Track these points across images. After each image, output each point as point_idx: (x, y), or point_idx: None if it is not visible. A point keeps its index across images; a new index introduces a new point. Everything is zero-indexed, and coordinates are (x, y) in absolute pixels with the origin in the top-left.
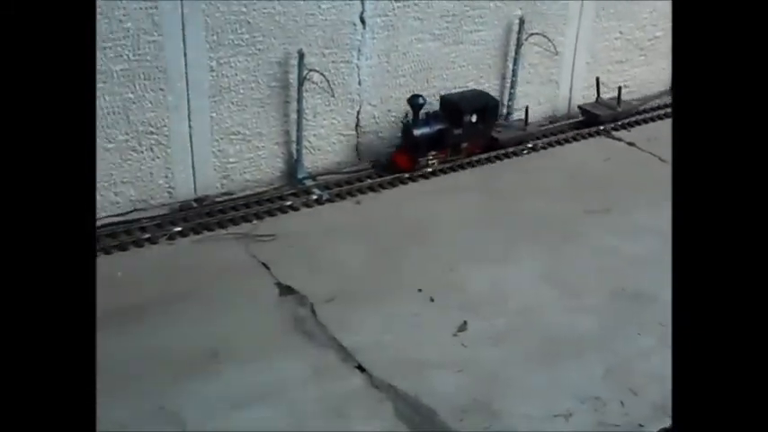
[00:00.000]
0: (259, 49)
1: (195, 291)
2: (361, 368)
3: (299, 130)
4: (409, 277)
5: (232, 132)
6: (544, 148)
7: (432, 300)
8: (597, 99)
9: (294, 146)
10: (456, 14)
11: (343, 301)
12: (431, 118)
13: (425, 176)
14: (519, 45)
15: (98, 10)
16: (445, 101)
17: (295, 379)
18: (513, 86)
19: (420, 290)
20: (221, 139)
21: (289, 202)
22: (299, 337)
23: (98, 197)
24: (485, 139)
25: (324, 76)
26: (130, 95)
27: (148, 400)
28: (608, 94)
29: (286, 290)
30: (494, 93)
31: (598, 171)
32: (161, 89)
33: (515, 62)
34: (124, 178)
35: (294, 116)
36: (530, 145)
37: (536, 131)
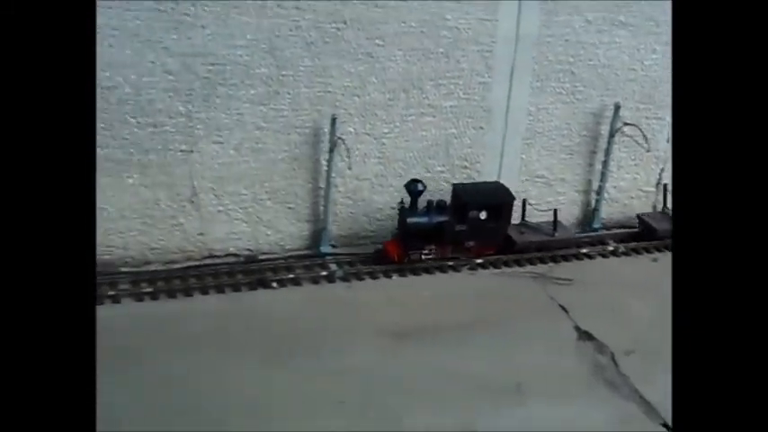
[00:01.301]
0: (577, 99)
1: (499, 321)
2: (666, 426)
3: (603, 180)
4: None
5: (537, 175)
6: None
7: None
8: (664, 208)
9: (593, 195)
10: None
11: (643, 355)
12: (433, 208)
13: None
14: None
15: (440, 50)
16: (455, 192)
17: (603, 425)
18: None
19: None
20: (526, 180)
21: (584, 250)
22: (601, 385)
23: None
24: (495, 239)
25: (641, 130)
26: (453, 131)
27: (457, 418)
28: None
29: (585, 335)
30: None
31: None
32: (481, 128)
33: None
34: None
35: (599, 167)
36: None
37: (568, 238)
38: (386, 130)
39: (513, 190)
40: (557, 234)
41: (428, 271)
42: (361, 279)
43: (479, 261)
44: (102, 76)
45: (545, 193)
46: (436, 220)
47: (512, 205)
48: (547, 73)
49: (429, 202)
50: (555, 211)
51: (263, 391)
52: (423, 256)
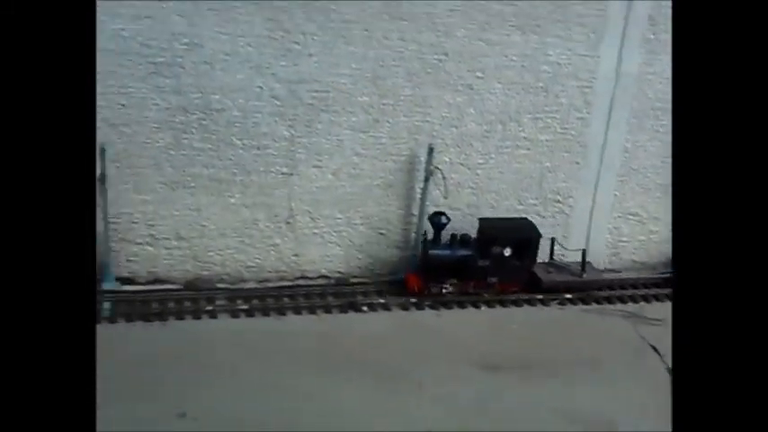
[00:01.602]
0: None
1: (590, 357)
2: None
3: None
4: None
5: (630, 213)
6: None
7: None
8: None
9: None
10: None
11: None
12: (457, 241)
13: None
14: None
15: (540, 85)
16: (481, 226)
17: None
18: None
19: None
20: (619, 217)
21: None
22: None
23: None
24: (519, 276)
25: None
26: (548, 164)
27: None
28: None
29: None
30: None
31: None
32: (576, 162)
33: None
34: None
35: None
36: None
37: (597, 279)
38: (481, 161)
39: (604, 226)
40: (585, 275)
41: (516, 303)
42: (449, 308)
43: (569, 296)
44: (213, 99)
45: (637, 231)
46: (459, 253)
47: (538, 242)
48: (645, 110)
49: (453, 236)
50: (583, 251)
51: (354, 411)
52: (443, 290)
